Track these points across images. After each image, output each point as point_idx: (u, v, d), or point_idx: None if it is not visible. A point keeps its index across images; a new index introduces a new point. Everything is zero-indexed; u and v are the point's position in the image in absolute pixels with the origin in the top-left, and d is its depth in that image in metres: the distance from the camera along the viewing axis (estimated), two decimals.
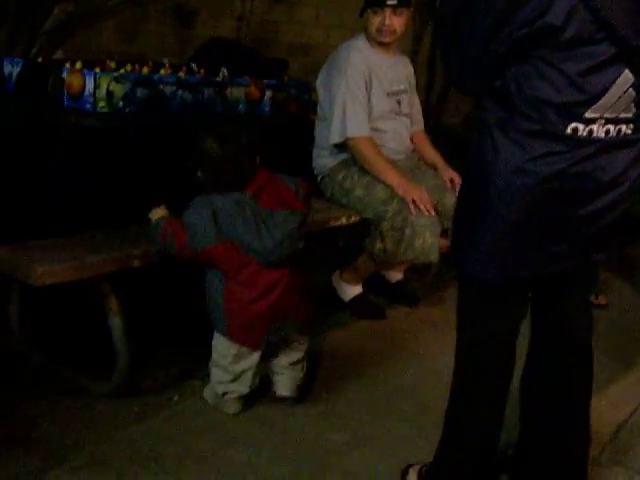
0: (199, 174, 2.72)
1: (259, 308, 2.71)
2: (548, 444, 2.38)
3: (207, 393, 2.94)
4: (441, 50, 2.39)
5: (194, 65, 3.91)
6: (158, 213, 2.82)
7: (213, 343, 2.84)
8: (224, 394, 2.85)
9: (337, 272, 4.00)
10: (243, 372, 2.81)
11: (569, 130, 2.02)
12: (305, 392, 3.03)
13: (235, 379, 2.82)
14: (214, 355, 2.84)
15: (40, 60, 3.70)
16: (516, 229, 2.12)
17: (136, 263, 2.82)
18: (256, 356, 2.80)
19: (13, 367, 3.01)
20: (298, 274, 2.80)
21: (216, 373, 2.85)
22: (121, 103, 3.40)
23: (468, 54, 2.10)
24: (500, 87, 2.10)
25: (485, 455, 2.42)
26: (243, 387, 2.84)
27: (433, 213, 3.62)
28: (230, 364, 2.79)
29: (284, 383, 2.93)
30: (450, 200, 3.83)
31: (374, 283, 4.09)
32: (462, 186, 2.38)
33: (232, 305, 2.72)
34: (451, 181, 3.93)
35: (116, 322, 2.81)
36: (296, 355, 2.92)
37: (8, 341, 3.09)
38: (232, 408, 2.87)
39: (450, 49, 2.19)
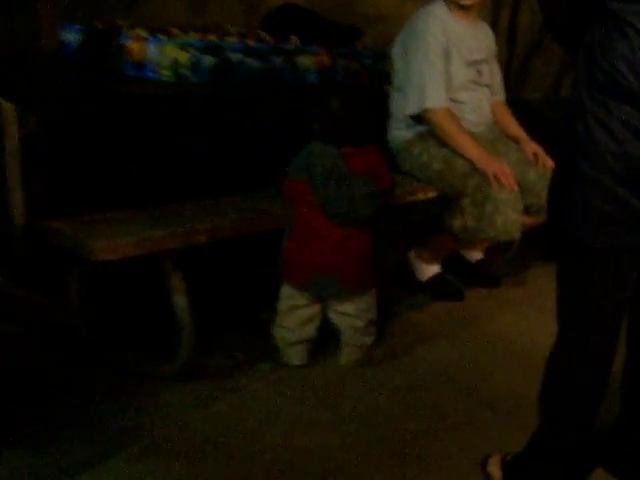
0: (315, 126, 2.90)
1: (305, 253, 2.86)
2: None
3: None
4: None
5: (262, 33, 3.76)
6: None
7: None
8: (286, 343, 3.00)
9: (414, 250, 3.84)
10: (291, 310, 2.95)
11: None
12: (379, 376, 2.97)
13: (289, 325, 2.96)
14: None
15: (101, 27, 3.57)
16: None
17: (202, 239, 2.72)
18: (303, 298, 2.93)
19: (71, 347, 2.93)
20: (361, 240, 2.89)
21: (277, 319, 3.01)
22: (187, 72, 3.27)
23: None
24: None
25: (581, 443, 2.23)
26: (296, 331, 2.97)
27: (516, 188, 3.42)
28: (284, 303, 2.96)
29: (344, 353, 3.05)
30: (533, 175, 3.64)
31: (452, 262, 3.94)
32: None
33: (291, 246, 2.89)
34: (534, 155, 3.71)
35: (180, 301, 2.73)
36: (354, 323, 2.99)
37: (67, 320, 2.99)
38: (294, 358, 3.01)
39: None
